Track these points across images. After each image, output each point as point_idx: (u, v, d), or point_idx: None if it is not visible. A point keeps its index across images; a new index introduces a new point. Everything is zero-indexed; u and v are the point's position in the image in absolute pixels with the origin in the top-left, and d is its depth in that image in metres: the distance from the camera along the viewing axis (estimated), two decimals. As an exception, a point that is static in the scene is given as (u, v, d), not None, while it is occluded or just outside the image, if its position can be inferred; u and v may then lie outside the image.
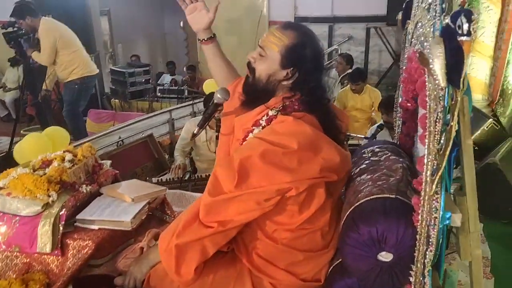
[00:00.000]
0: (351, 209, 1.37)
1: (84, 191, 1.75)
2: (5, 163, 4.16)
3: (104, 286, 1.58)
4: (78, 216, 1.68)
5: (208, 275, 1.42)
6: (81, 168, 1.79)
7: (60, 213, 1.61)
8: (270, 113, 1.44)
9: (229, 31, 7.36)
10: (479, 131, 3.74)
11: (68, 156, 1.79)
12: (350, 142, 3.06)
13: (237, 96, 1.61)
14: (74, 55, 4.67)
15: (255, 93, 1.48)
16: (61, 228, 1.60)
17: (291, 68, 1.42)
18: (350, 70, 5.59)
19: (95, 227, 1.66)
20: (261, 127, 1.44)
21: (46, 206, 1.61)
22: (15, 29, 4.84)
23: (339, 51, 6.87)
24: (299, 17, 7.18)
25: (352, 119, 4.84)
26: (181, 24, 9.75)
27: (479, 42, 4.75)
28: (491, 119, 3.79)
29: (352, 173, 1.60)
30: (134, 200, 1.77)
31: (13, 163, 2.24)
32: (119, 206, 1.74)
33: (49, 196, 1.62)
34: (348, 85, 5.03)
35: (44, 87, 5.16)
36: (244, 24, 7.31)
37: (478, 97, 4.89)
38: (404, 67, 1.73)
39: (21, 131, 5.64)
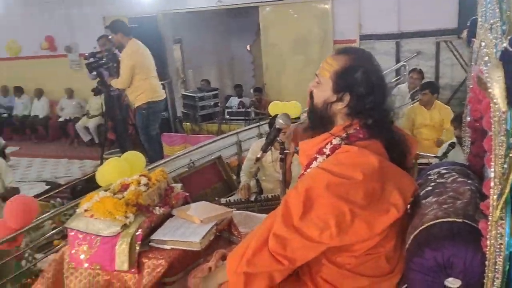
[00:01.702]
0: (415, 233, 1.35)
1: (158, 213, 1.87)
2: (88, 185, 4.54)
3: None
4: (153, 237, 1.80)
5: (273, 296, 1.45)
6: (154, 192, 1.92)
7: (137, 234, 1.74)
8: (334, 141, 1.43)
9: (296, 50, 7.47)
10: None
11: (143, 180, 1.93)
12: (419, 161, 2.98)
13: None
14: (143, 82, 4.91)
15: (316, 120, 1.51)
16: (137, 247, 1.72)
17: (343, 93, 1.43)
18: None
19: (168, 247, 1.76)
20: (325, 156, 1.44)
21: (124, 227, 1.74)
22: (96, 59, 5.31)
23: (406, 67, 6.70)
24: (364, 35, 7.12)
25: (421, 137, 4.68)
26: (248, 47, 10.06)
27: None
28: None
29: (417, 196, 1.57)
30: (203, 222, 1.86)
31: (95, 185, 2.44)
32: (189, 227, 1.83)
33: (126, 217, 1.75)
34: (418, 102, 4.91)
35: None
36: (310, 44, 7.39)
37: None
38: (471, 86, 1.68)
39: (103, 155, 6.10)
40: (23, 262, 2.75)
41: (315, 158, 1.47)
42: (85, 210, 1.81)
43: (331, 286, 1.44)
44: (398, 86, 6.13)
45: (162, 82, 5.59)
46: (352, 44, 6.92)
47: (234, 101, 8.23)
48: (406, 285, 1.41)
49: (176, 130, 7.91)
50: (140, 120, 5.13)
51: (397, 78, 6.77)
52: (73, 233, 1.77)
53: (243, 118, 7.28)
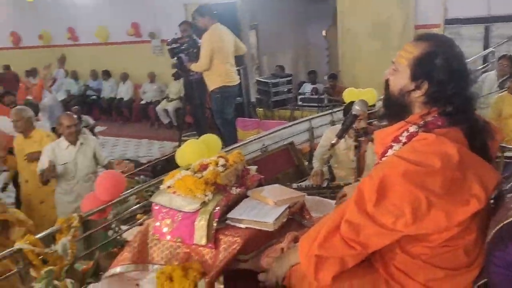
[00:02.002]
0: (499, 227, 1.30)
1: (234, 192, 1.96)
2: (167, 165, 4.80)
3: (249, 280, 1.75)
4: (229, 215, 1.88)
5: (344, 281, 1.46)
6: (232, 172, 2.00)
7: (214, 211, 1.83)
8: (411, 129, 1.41)
9: (373, 35, 7.22)
10: None
11: (221, 161, 2.02)
12: (506, 154, 2.80)
13: None
14: (219, 67, 5.05)
15: (391, 108, 1.50)
16: (214, 224, 1.81)
17: (421, 81, 1.40)
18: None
19: (243, 226, 1.83)
20: (401, 144, 1.42)
21: (203, 204, 1.84)
22: (178, 44, 5.56)
23: (495, 54, 6.23)
24: (450, 19, 6.70)
25: (508, 128, 4.37)
26: (324, 33, 9.90)
27: None
28: None
29: (503, 189, 1.50)
30: (277, 204, 1.91)
31: (174, 165, 2.57)
32: (263, 208, 1.89)
33: (205, 195, 1.85)
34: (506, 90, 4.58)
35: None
36: (390, 30, 7.10)
37: None
38: None
39: (181, 137, 6.41)
40: (110, 232, 2.98)
41: (391, 146, 1.45)
42: (168, 187, 1.93)
43: (405, 275, 1.42)
44: (486, 73, 5.74)
45: (238, 68, 5.70)
46: (436, 29, 6.55)
47: (307, 87, 8.19)
48: (485, 279, 1.36)
49: (250, 115, 8.06)
50: (215, 104, 5.30)
51: (484, 65, 6.32)
52: (157, 208, 1.91)
53: (316, 104, 7.23)
